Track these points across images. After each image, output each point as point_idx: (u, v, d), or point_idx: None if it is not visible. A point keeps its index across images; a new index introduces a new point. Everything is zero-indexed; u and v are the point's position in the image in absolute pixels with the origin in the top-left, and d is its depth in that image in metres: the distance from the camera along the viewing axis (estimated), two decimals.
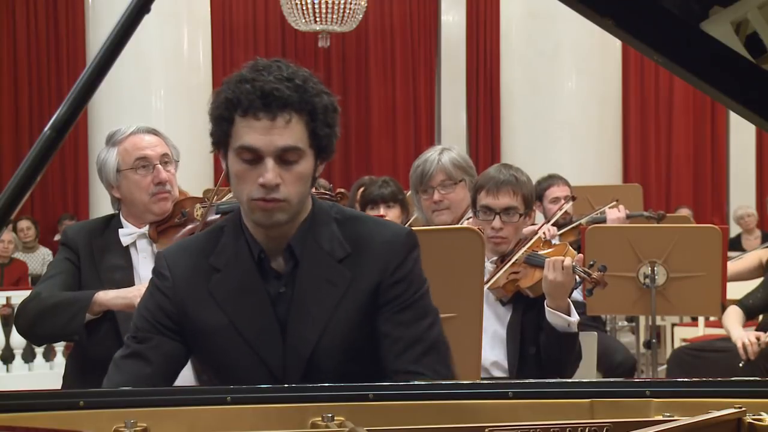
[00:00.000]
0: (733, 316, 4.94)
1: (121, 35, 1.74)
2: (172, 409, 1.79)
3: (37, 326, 2.99)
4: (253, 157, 2.04)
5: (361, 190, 4.71)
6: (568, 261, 3.09)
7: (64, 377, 3.11)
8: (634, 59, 11.13)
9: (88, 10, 9.30)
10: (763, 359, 4.75)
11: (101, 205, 8.40)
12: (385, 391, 1.87)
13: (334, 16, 9.71)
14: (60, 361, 7.48)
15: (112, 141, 3.10)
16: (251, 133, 2.03)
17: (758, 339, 4.72)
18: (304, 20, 9.75)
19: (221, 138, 2.09)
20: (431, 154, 3.76)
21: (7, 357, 7.55)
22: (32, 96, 11.25)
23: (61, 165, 11.09)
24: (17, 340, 7.45)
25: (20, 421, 1.73)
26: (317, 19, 9.71)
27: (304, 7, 9.66)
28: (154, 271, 2.22)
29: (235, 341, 2.12)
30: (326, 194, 3.26)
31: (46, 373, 7.52)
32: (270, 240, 2.14)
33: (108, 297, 2.88)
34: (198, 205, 3.15)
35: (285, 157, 2.05)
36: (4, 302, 7.81)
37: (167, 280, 2.17)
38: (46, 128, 1.72)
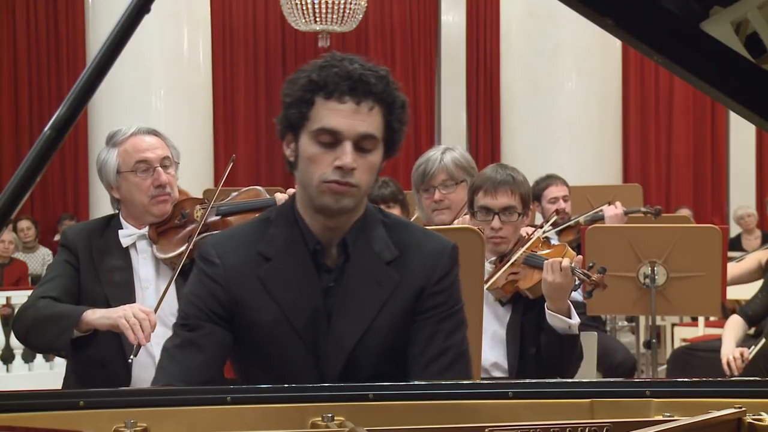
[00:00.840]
0: (731, 329, 4.91)
1: (121, 35, 1.74)
2: (172, 409, 1.79)
3: (30, 336, 3.00)
4: (332, 141, 2.06)
5: None
6: (566, 262, 3.09)
7: (65, 378, 3.11)
8: (634, 59, 11.12)
9: (88, 10, 9.29)
10: (763, 359, 4.75)
11: (101, 205, 8.40)
12: (385, 391, 1.87)
13: (334, 16, 9.71)
14: (60, 361, 7.46)
15: (112, 142, 3.09)
16: (334, 116, 2.06)
17: (741, 355, 4.72)
18: (304, 20, 9.75)
19: (297, 120, 2.09)
20: (434, 153, 3.76)
21: (7, 357, 7.55)
22: (32, 96, 11.24)
23: (61, 165, 11.09)
24: (17, 340, 7.45)
25: (20, 421, 1.73)
26: (317, 19, 9.71)
27: (304, 7, 9.66)
28: (201, 258, 2.20)
29: (285, 331, 2.13)
30: None
31: (46, 373, 7.52)
32: (325, 231, 2.15)
33: (95, 317, 2.85)
34: (198, 207, 3.15)
35: (362, 144, 2.08)
36: (4, 302, 7.81)
37: (218, 267, 2.17)
38: (46, 128, 1.72)
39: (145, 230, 3.09)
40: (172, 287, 3.01)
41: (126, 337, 2.87)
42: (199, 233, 3.06)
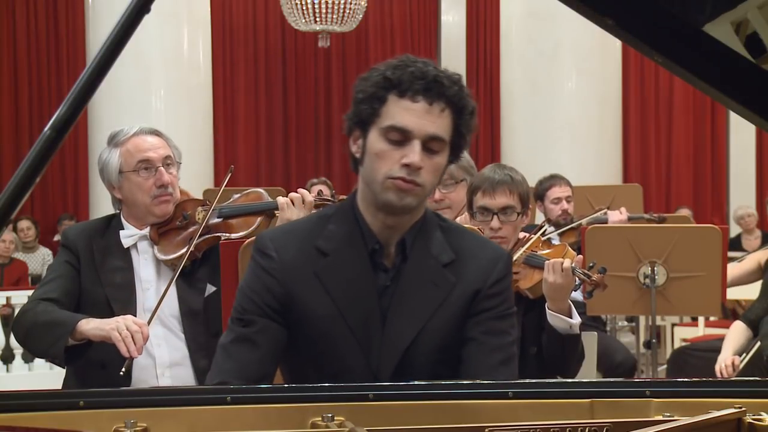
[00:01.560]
0: (733, 335, 4.88)
1: (121, 35, 1.73)
2: (172, 409, 1.79)
3: (27, 341, 3.00)
4: (401, 139, 2.08)
5: None
6: (567, 263, 3.08)
7: (65, 378, 3.11)
8: (634, 59, 11.12)
9: (88, 10, 9.30)
10: (761, 359, 4.75)
11: (101, 205, 8.40)
12: (385, 391, 1.87)
13: (334, 16, 9.71)
14: None
15: (114, 141, 3.09)
16: (406, 114, 2.07)
17: (733, 363, 4.71)
18: (304, 20, 9.75)
19: (368, 116, 2.10)
20: None
21: (7, 357, 7.55)
22: (32, 96, 11.24)
23: (61, 165, 11.08)
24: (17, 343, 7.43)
25: (20, 421, 1.73)
26: (317, 19, 9.71)
27: (304, 7, 9.67)
28: (258, 251, 2.20)
29: (339, 327, 2.13)
30: (329, 200, 3.26)
31: (46, 373, 7.51)
32: (385, 229, 2.16)
33: (89, 327, 2.83)
34: (200, 208, 3.15)
35: (430, 145, 2.09)
36: (4, 302, 7.81)
37: (274, 261, 2.17)
38: (46, 128, 1.72)
39: (146, 231, 3.08)
40: (173, 288, 3.01)
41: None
42: (200, 235, 3.05)
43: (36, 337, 2.92)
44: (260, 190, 3.30)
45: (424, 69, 2.09)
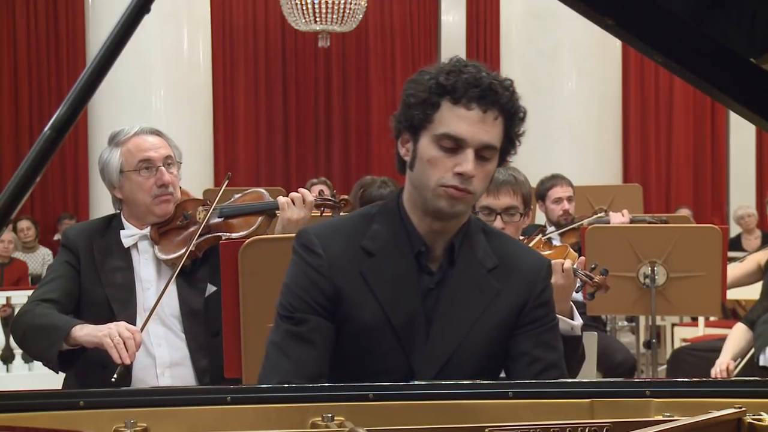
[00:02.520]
0: (733, 338, 4.86)
1: (121, 35, 1.73)
2: (172, 409, 1.79)
3: (24, 343, 3.01)
4: (454, 146, 2.06)
5: (362, 191, 4.70)
6: (568, 264, 3.08)
7: (65, 378, 3.11)
8: (634, 59, 11.13)
9: (88, 10, 9.30)
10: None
11: (101, 205, 8.39)
12: (385, 391, 1.87)
13: (334, 16, 9.72)
14: None
15: (115, 141, 3.09)
16: (460, 122, 2.06)
17: (728, 368, 4.70)
18: (304, 20, 9.75)
19: (420, 121, 2.08)
20: None
21: (7, 357, 7.54)
22: (32, 96, 11.24)
23: (61, 165, 11.09)
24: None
25: (20, 421, 1.73)
26: (317, 19, 9.72)
27: (304, 7, 9.67)
28: (302, 247, 2.16)
29: (383, 328, 2.12)
30: (329, 200, 3.26)
31: (46, 373, 7.44)
32: (431, 233, 2.15)
33: (82, 333, 2.82)
34: (200, 208, 3.15)
35: (482, 153, 2.08)
36: (4, 302, 7.80)
37: (321, 258, 2.14)
38: (46, 128, 1.71)
39: (146, 230, 3.09)
40: (173, 288, 3.01)
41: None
42: (201, 235, 3.05)
43: (32, 340, 2.92)
44: (261, 189, 3.30)
45: (478, 75, 2.06)
